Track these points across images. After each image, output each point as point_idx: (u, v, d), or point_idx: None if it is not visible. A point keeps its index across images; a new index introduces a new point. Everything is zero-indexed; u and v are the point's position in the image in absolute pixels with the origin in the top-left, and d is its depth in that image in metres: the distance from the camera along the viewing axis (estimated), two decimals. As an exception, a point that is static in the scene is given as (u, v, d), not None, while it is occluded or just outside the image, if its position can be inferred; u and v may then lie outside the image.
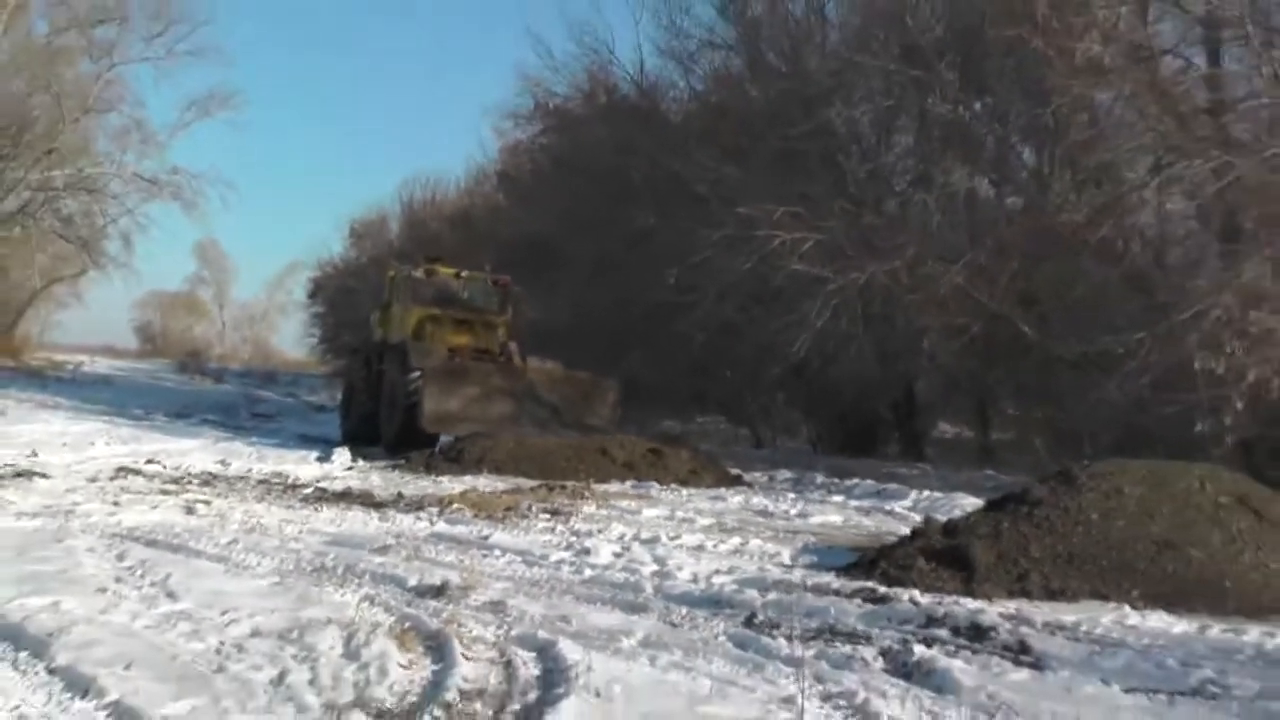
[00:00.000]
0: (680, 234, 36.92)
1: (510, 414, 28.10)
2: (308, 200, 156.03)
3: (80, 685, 9.03)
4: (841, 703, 9.59)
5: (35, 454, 24.92)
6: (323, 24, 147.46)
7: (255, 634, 10.81)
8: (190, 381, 64.00)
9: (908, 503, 24.42)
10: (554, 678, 9.80)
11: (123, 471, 23.41)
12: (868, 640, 11.85)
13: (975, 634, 12.19)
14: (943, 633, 12.28)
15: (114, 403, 41.26)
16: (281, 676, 9.62)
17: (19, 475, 21.78)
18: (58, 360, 62.09)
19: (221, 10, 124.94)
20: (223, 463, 26.02)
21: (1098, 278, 29.84)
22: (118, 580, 12.94)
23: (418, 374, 28.77)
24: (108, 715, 8.48)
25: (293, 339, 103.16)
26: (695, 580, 14.89)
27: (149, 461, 25.24)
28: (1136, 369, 25.83)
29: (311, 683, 9.52)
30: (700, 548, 17.62)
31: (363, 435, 30.21)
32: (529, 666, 10.17)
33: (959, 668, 10.79)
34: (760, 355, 36.13)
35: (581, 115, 51.10)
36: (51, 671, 9.41)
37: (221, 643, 10.50)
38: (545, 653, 10.52)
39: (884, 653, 11.35)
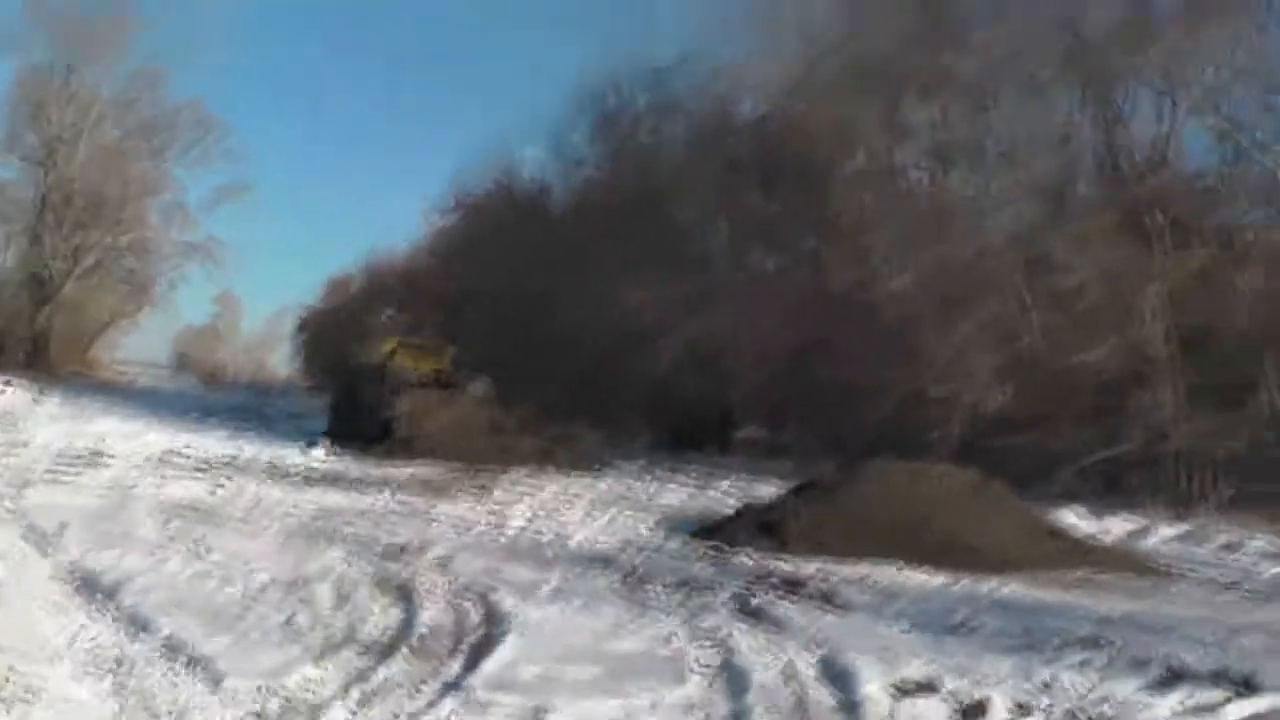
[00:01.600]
0: (563, 292, 36.75)
1: (456, 422, 27.36)
2: (297, 258, 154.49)
3: (141, 623, 8.41)
4: (707, 639, 9.13)
5: (103, 442, 24.02)
6: (316, 121, 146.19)
7: (270, 584, 10.17)
8: (211, 391, 62.68)
9: (726, 485, 23.83)
10: (493, 619, 9.26)
11: (166, 456, 22.49)
12: (713, 590, 11.41)
13: (793, 586, 11.91)
14: (769, 583, 11.99)
15: (158, 406, 39.99)
16: (290, 619, 9.04)
17: (92, 459, 20.92)
18: (119, 374, 61.24)
19: (238, 114, 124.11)
20: (236, 452, 25.04)
21: (860, 329, 29.59)
22: (167, 541, 12.20)
23: (394, 394, 28.17)
24: (163, 647, 7.83)
25: (283, 361, 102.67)
26: (584, 544, 14.47)
27: (185, 450, 24.19)
28: (886, 394, 25.68)
29: (313, 623, 8.94)
30: (585, 518, 17.15)
31: (345, 433, 29.28)
32: (474, 611, 9.62)
33: (787, 611, 10.49)
34: (619, 380, 35.93)
35: (489, 207, 50.83)
36: (119, 612, 8.76)
37: (245, 590, 9.89)
38: (484, 599, 9.98)
39: (732, 598, 10.94)
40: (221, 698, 6.83)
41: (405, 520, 15.77)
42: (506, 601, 9.79)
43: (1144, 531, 18.46)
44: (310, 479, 21.01)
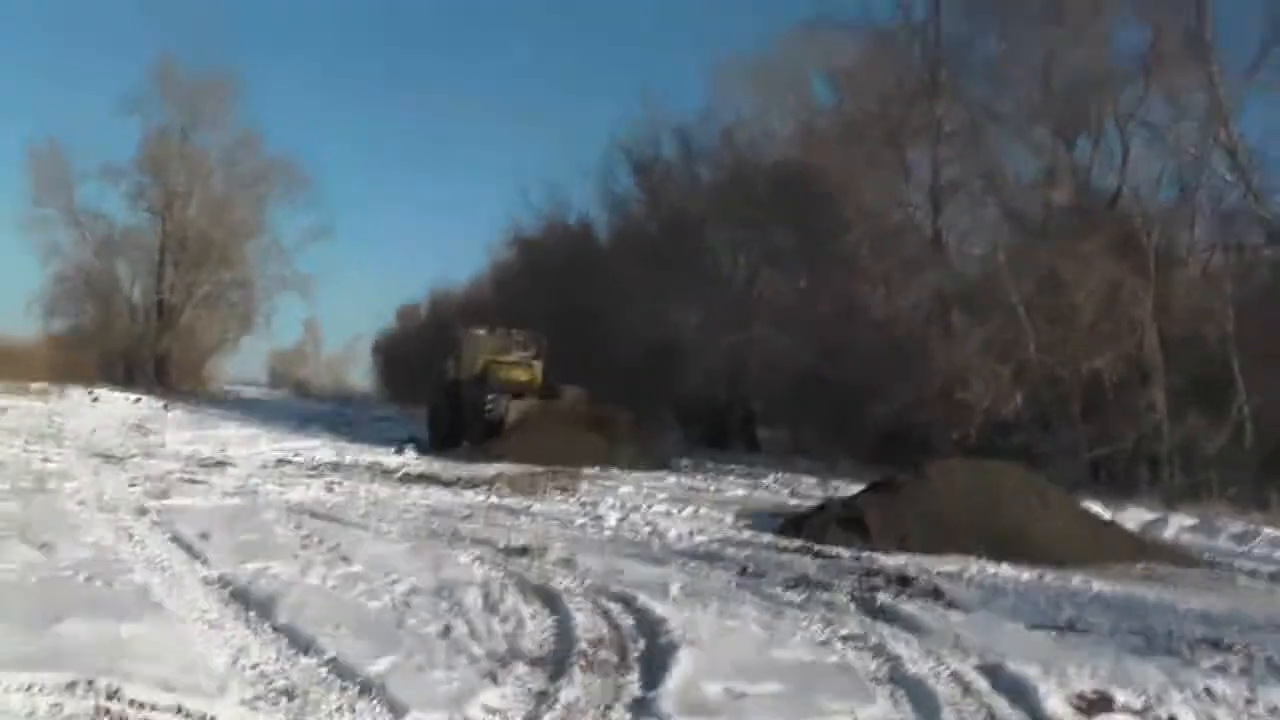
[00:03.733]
0: (607, 314, 35.92)
1: (553, 427, 25.29)
2: (370, 288, 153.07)
3: (301, 642, 6.63)
4: (860, 643, 7.50)
5: (225, 449, 22.44)
6: (387, 167, 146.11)
7: (414, 591, 8.40)
8: (304, 403, 61.35)
9: (770, 480, 22.41)
10: (647, 626, 7.56)
11: (280, 462, 20.75)
12: (831, 589, 9.68)
13: (903, 582, 10.15)
14: (879, 581, 10.23)
15: (264, 416, 38.41)
16: (447, 630, 7.27)
17: (218, 464, 19.32)
18: (226, 389, 60.88)
19: (321, 160, 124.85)
20: (338, 456, 23.32)
21: (875, 342, 28.11)
22: (303, 547, 10.35)
23: (493, 398, 26.02)
24: (329, 670, 6.11)
25: (360, 376, 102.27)
26: (680, 539, 12.68)
27: (295, 455, 22.56)
28: (894, 399, 24.31)
29: (471, 634, 7.18)
30: (669, 514, 15.24)
31: (446, 441, 27.03)
32: (624, 616, 7.90)
33: (911, 610, 8.76)
34: (655, 388, 34.34)
35: (542, 242, 49.75)
36: (276, 629, 6.98)
37: (393, 600, 8.12)
38: (627, 603, 8.26)
39: (852, 598, 9.26)
40: (410, 736, 5.15)
41: (511, 518, 13.94)
42: (653, 607, 8.05)
43: (1161, 523, 16.49)
44: (409, 479, 19.27)
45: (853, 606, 8.88)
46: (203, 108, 54.98)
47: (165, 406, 36.78)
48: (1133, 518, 16.86)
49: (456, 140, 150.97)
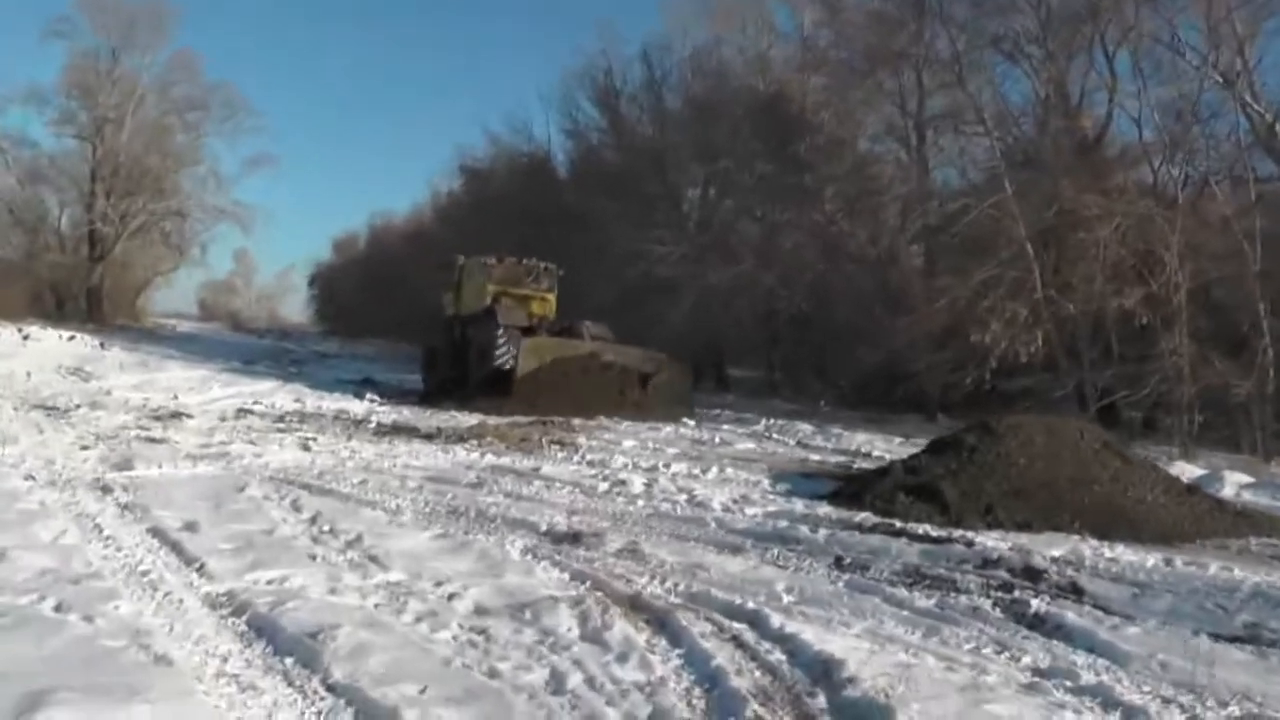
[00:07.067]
0: (568, 250, 33.09)
1: (573, 375, 22.62)
2: (301, 218, 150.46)
3: (378, 717, 4.72)
4: (1071, 683, 5.77)
5: (176, 397, 20.39)
6: (323, 90, 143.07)
7: (481, 611, 6.50)
8: (241, 338, 59.08)
9: (760, 426, 21.08)
10: (812, 666, 5.74)
11: (241, 412, 18.75)
12: (958, 587, 7.96)
13: (1031, 575, 8.42)
14: (1003, 574, 8.45)
15: (205, 354, 36.06)
16: (558, 681, 5.37)
17: (174, 415, 17.26)
18: (160, 323, 59.03)
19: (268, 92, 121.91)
20: (299, 402, 21.48)
21: (861, 280, 26.55)
22: (315, 540, 8.31)
23: (502, 332, 22.99)
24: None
25: (291, 309, 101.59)
26: (729, 512, 10.80)
27: (255, 403, 20.51)
28: (890, 339, 23.51)
29: (593, 687, 5.31)
30: (694, 475, 13.41)
31: (446, 387, 24.40)
32: (765, 646, 6.09)
33: (1071, 619, 7.02)
34: (633, 326, 32.12)
35: (493, 172, 48.26)
36: (334, 692, 5.01)
37: (462, 629, 6.16)
38: (756, 626, 6.44)
39: (994, 603, 7.50)
40: None
41: (524, 485, 12.00)
42: (797, 631, 6.27)
43: (1215, 480, 14.66)
44: (384, 431, 17.36)
45: (1001, 614, 7.17)
46: (135, 31, 52.39)
47: (103, 345, 34.47)
48: (1179, 474, 15.20)
49: (399, 66, 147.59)
